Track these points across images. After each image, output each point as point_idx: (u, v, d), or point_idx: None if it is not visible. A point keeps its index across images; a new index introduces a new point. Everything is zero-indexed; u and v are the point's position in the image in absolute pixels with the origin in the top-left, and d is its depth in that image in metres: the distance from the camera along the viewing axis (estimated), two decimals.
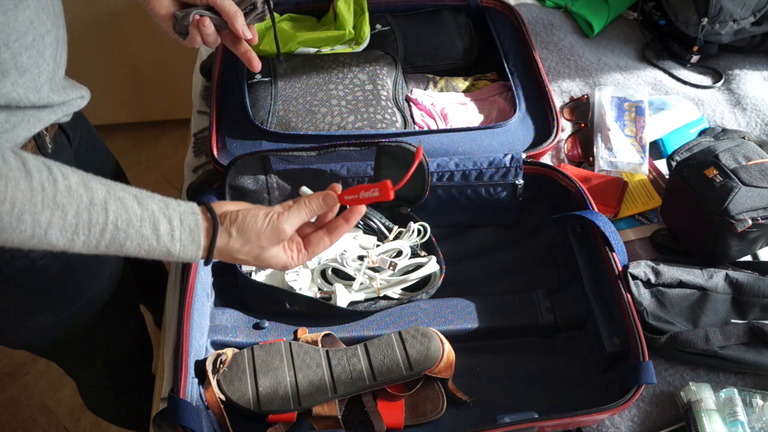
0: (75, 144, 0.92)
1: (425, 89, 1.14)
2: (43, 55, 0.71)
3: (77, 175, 0.58)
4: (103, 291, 0.96)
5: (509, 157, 0.95)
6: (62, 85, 0.78)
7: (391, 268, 0.90)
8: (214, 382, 0.78)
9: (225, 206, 0.68)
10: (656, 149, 1.11)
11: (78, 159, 0.93)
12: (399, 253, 0.92)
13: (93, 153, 1.00)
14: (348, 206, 0.70)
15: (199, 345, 0.80)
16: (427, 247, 0.96)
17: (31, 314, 0.88)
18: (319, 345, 0.83)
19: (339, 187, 0.70)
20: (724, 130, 1.10)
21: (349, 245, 0.93)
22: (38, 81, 0.72)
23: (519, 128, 1.02)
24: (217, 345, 0.85)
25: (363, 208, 0.71)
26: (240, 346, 0.84)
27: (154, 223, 0.61)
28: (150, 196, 0.63)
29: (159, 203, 0.63)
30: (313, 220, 0.72)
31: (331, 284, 0.90)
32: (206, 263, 0.66)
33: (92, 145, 1.00)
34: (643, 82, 1.23)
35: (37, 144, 0.77)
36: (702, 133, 1.11)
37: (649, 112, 1.12)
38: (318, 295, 0.89)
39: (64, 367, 1.15)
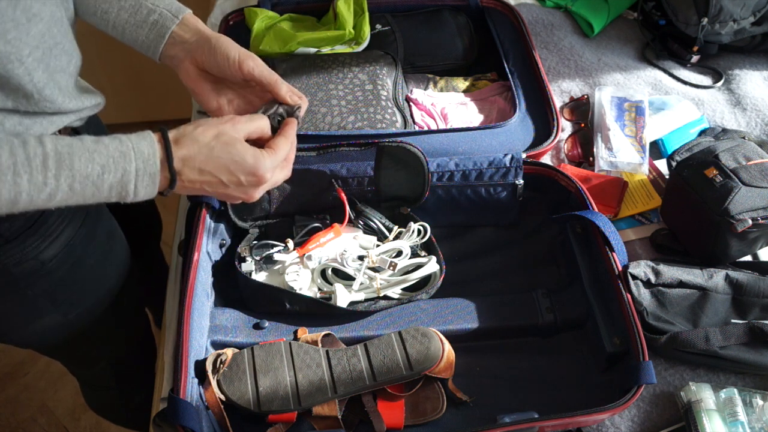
0: None
1: (425, 89, 1.14)
2: (56, 68, 0.71)
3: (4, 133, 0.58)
4: (110, 292, 0.96)
5: (509, 157, 0.95)
6: (76, 92, 0.78)
7: (391, 268, 0.90)
8: (214, 382, 0.78)
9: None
10: (656, 149, 1.11)
11: None
12: (399, 253, 0.92)
13: None
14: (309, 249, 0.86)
15: (199, 345, 0.80)
16: (427, 247, 0.96)
17: (39, 315, 0.88)
18: (319, 345, 0.83)
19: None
20: (724, 130, 1.10)
21: (349, 245, 0.93)
22: (53, 93, 0.72)
23: (519, 128, 1.02)
24: (217, 345, 0.85)
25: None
26: (240, 346, 0.84)
27: (97, 139, 0.61)
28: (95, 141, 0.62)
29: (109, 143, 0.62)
30: None
31: (331, 284, 0.90)
32: (171, 167, 0.64)
33: None
34: (643, 82, 1.23)
35: None
36: (702, 133, 1.11)
37: (649, 112, 1.12)
38: (318, 295, 0.89)
39: (69, 366, 1.15)
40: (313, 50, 1.15)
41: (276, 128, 0.77)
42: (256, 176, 0.69)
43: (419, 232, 0.94)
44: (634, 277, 0.85)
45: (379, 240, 0.95)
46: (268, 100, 0.80)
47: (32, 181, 0.56)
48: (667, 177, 1.04)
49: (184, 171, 0.66)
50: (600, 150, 1.08)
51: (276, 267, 0.91)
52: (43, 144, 0.57)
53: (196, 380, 0.77)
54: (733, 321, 0.86)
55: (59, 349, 1.04)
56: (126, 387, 1.20)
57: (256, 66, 0.78)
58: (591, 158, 1.08)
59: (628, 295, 0.82)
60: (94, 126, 0.95)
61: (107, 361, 1.11)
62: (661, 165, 1.07)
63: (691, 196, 0.90)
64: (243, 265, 0.90)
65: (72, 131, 0.84)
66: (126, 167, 0.62)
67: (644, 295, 0.85)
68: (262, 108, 0.78)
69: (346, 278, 0.91)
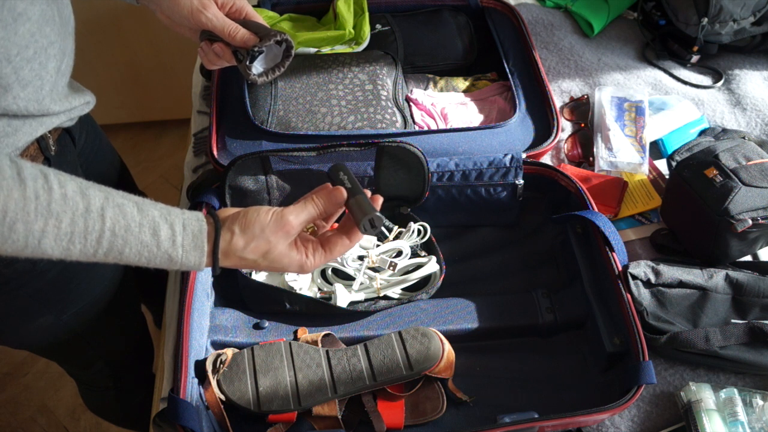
0: (80, 144, 0.92)
1: (425, 89, 1.14)
2: (46, 68, 0.71)
3: (75, 183, 0.57)
4: (104, 292, 0.96)
5: (509, 157, 0.95)
6: (65, 93, 0.78)
7: (391, 268, 0.90)
8: (214, 382, 0.78)
9: (228, 210, 0.67)
10: (656, 149, 1.11)
11: (82, 159, 0.92)
12: (399, 253, 0.92)
13: (98, 152, 1.00)
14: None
15: (199, 345, 0.80)
16: (427, 247, 0.96)
17: (32, 316, 0.88)
18: (319, 345, 0.83)
19: (343, 190, 0.69)
20: (724, 130, 1.10)
21: None
22: (40, 93, 0.71)
23: (519, 128, 1.02)
24: (217, 345, 0.85)
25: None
26: (240, 346, 0.84)
27: (154, 228, 0.60)
28: (152, 203, 0.62)
29: (161, 210, 0.61)
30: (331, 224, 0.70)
31: (331, 284, 0.90)
32: (214, 271, 0.64)
33: (97, 144, 1.00)
34: (643, 82, 1.23)
35: (39, 146, 0.77)
36: (702, 133, 1.11)
37: (649, 112, 1.12)
38: (318, 295, 0.89)
39: (65, 368, 1.15)
40: (313, 50, 1.15)
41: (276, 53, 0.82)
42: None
43: (419, 232, 0.94)
44: (634, 277, 0.85)
45: (379, 240, 0.95)
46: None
47: (83, 251, 0.58)
48: (667, 177, 1.04)
49: (227, 265, 0.67)
50: (600, 150, 1.08)
51: None
52: (103, 219, 0.58)
53: (196, 380, 0.77)
54: (733, 321, 0.86)
55: (54, 350, 1.03)
56: (123, 387, 1.20)
57: (208, 20, 0.79)
58: (591, 158, 1.08)
59: (628, 295, 0.82)
60: (86, 125, 0.95)
61: (104, 362, 1.11)
62: (661, 165, 1.07)
63: (691, 196, 0.90)
64: None
65: (63, 131, 0.84)
66: (170, 267, 0.63)
67: (644, 295, 0.85)
68: (255, 46, 0.80)
69: (346, 278, 0.91)
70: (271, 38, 0.79)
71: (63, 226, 0.56)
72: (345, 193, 0.68)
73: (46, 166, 0.58)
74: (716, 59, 1.27)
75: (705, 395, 0.80)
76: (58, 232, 0.56)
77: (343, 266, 0.90)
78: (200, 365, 0.79)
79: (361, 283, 0.89)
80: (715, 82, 1.23)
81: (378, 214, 0.67)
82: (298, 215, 0.66)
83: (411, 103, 1.09)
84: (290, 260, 0.67)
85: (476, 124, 1.08)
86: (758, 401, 0.81)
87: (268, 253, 0.65)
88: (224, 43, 0.82)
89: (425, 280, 0.92)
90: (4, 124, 0.69)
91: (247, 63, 0.81)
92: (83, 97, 0.82)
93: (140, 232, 0.59)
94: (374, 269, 0.91)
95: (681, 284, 0.87)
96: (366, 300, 0.89)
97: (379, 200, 0.71)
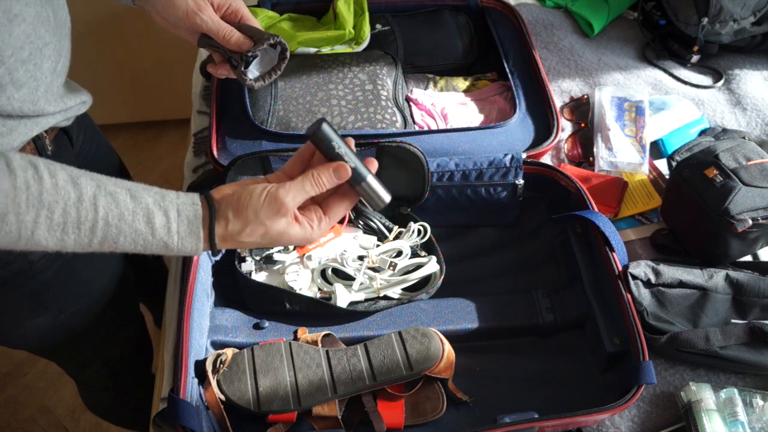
0: (78, 144, 0.92)
1: (425, 89, 1.14)
2: (41, 68, 0.70)
3: (66, 173, 0.57)
4: (102, 292, 0.96)
5: (509, 157, 0.95)
6: (60, 93, 0.77)
7: (391, 268, 0.90)
8: (214, 382, 0.78)
9: (223, 190, 0.65)
10: (656, 149, 1.11)
11: (80, 159, 0.92)
12: (399, 253, 0.92)
13: (96, 153, 0.99)
14: None
15: (199, 345, 0.80)
16: (427, 247, 0.96)
17: (30, 316, 0.88)
18: (319, 345, 0.83)
19: (348, 168, 0.65)
20: (725, 130, 1.10)
21: (349, 245, 0.93)
22: (35, 94, 0.71)
23: (519, 128, 1.02)
24: (217, 345, 0.85)
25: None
26: (240, 346, 0.84)
27: (148, 216, 0.59)
28: (146, 189, 0.61)
29: (155, 196, 0.60)
30: None
31: (331, 284, 0.90)
32: (213, 254, 0.63)
33: (96, 144, 1.00)
34: (643, 82, 1.23)
35: (36, 146, 0.77)
36: (702, 133, 1.11)
37: (649, 112, 1.12)
38: (318, 295, 0.89)
39: (64, 367, 1.15)
40: (313, 50, 1.15)
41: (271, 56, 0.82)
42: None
43: (419, 232, 0.94)
44: (634, 277, 0.85)
45: (379, 240, 0.95)
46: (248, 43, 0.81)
47: (78, 241, 0.58)
48: (667, 177, 1.04)
49: (226, 247, 0.66)
50: (600, 150, 1.08)
51: (276, 267, 0.91)
52: (96, 208, 0.57)
53: (196, 380, 0.77)
54: (733, 321, 0.86)
55: (53, 350, 1.03)
56: (123, 387, 1.19)
57: (204, 22, 0.79)
58: (591, 158, 1.08)
59: (628, 295, 0.82)
60: (84, 125, 0.94)
61: (103, 362, 1.11)
62: (661, 165, 1.07)
63: (691, 196, 0.90)
64: (243, 265, 0.90)
65: (60, 131, 0.84)
66: (166, 253, 0.62)
67: (644, 295, 0.85)
68: (248, 51, 0.80)
69: (346, 278, 0.91)
70: (265, 41, 0.79)
71: (55, 216, 0.55)
72: (350, 172, 0.65)
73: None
74: (716, 59, 1.27)
75: (705, 395, 0.80)
76: (51, 222, 0.55)
77: (343, 266, 0.90)
78: (200, 365, 0.79)
79: (361, 283, 0.89)
80: (715, 82, 1.23)
81: (388, 199, 0.67)
82: (295, 197, 0.63)
83: (411, 103, 1.09)
84: (290, 236, 0.65)
85: (476, 124, 1.08)
86: (758, 401, 0.81)
87: (266, 234, 0.64)
88: (221, 50, 0.82)
89: (425, 280, 0.92)
90: None
91: (243, 68, 0.81)
92: (79, 96, 0.82)
93: (134, 220, 0.59)
94: (374, 269, 0.91)
95: (681, 284, 0.87)
96: (366, 300, 0.89)
97: (374, 163, 0.68)
